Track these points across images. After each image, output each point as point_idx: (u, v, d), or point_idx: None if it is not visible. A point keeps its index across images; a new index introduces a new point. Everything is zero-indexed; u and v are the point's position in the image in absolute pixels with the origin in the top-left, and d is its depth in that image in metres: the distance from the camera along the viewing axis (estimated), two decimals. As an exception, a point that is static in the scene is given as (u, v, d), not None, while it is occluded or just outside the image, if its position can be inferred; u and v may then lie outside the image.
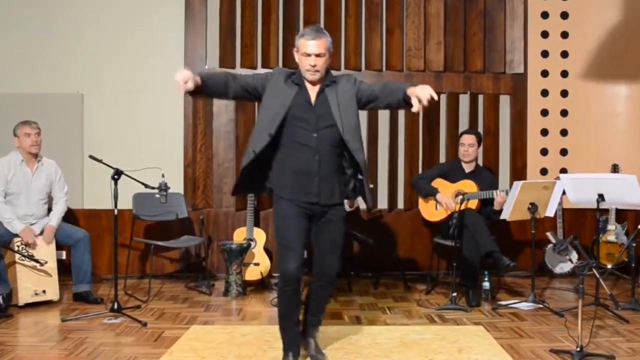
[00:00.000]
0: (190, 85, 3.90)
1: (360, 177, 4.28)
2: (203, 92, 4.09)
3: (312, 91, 4.15)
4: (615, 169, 7.22)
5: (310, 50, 4.02)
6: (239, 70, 7.36)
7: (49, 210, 6.39)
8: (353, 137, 4.15)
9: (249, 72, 7.14)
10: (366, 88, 4.26)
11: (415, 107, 3.91)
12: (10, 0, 7.51)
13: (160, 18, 7.55)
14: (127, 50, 7.56)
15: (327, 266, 4.30)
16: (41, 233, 6.13)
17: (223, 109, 7.58)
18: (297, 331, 4.37)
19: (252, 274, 6.76)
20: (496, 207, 6.23)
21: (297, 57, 4.13)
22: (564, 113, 7.81)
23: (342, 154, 4.21)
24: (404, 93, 4.07)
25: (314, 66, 4.03)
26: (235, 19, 7.58)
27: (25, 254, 5.85)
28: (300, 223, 4.19)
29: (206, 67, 7.52)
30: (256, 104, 7.05)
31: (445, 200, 6.50)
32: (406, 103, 4.06)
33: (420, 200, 6.81)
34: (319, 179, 4.13)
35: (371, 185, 6.39)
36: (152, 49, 7.57)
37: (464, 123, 7.72)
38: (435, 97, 3.91)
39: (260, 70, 7.33)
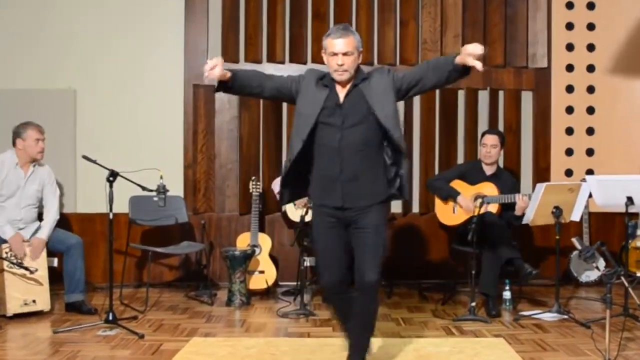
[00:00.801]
0: (217, 72, 4.02)
1: (402, 172, 4.30)
2: (234, 87, 4.21)
3: (341, 92, 4.21)
4: None
5: (338, 49, 4.09)
6: (243, 65, 7.42)
7: (40, 215, 6.40)
8: (394, 126, 4.17)
9: (253, 66, 7.26)
10: (404, 75, 4.27)
11: (479, 65, 3.94)
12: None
13: (159, 9, 7.56)
14: (123, 43, 7.53)
15: (361, 274, 4.24)
16: (30, 239, 6.15)
17: (226, 106, 7.59)
18: None
19: (257, 282, 6.77)
20: (518, 211, 6.20)
21: (325, 59, 4.21)
22: (591, 110, 7.77)
23: (379, 151, 4.25)
24: (452, 63, 4.10)
25: (342, 65, 4.10)
26: (239, 10, 7.58)
27: (14, 261, 5.84)
28: (333, 232, 4.26)
29: (207, 61, 7.35)
30: (261, 101, 7.31)
31: (466, 203, 6.45)
32: (458, 72, 4.11)
33: (437, 204, 6.79)
34: (341, 182, 4.17)
35: None
36: (150, 42, 7.55)
37: (483, 121, 7.73)
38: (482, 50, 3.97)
39: (265, 65, 7.46)
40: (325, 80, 4.24)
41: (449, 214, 6.69)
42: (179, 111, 7.55)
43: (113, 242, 5.74)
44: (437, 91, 7.67)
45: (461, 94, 7.66)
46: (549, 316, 5.97)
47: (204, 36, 7.55)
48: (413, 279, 7.41)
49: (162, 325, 5.77)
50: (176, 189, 7.27)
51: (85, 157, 5.69)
